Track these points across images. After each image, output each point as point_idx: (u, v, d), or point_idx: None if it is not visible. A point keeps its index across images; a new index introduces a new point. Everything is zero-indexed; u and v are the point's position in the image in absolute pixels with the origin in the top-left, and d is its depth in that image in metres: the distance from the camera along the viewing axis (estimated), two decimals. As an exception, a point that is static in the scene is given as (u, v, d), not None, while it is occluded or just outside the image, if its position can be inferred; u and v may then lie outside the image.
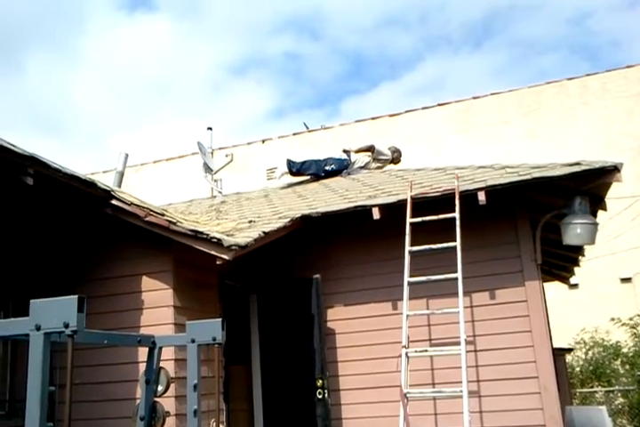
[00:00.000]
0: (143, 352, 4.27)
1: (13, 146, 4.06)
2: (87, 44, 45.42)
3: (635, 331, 12.12)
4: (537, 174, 5.10)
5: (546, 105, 15.02)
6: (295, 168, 8.64)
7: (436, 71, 39.53)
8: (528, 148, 14.19)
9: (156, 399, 4.14)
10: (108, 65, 44.27)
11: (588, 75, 14.95)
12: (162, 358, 4.18)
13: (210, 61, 47.74)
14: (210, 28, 44.37)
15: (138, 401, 4.16)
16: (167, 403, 4.28)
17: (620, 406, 11.76)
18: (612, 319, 12.28)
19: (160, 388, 4.16)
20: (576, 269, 8.14)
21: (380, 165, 8.58)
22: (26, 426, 2.73)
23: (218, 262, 4.68)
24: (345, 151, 8.61)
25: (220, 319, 4.05)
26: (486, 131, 15.31)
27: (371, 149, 8.54)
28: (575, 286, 12.63)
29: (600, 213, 5.77)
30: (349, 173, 8.34)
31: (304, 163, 8.64)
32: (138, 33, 45.33)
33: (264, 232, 5.08)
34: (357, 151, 8.59)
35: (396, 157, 8.74)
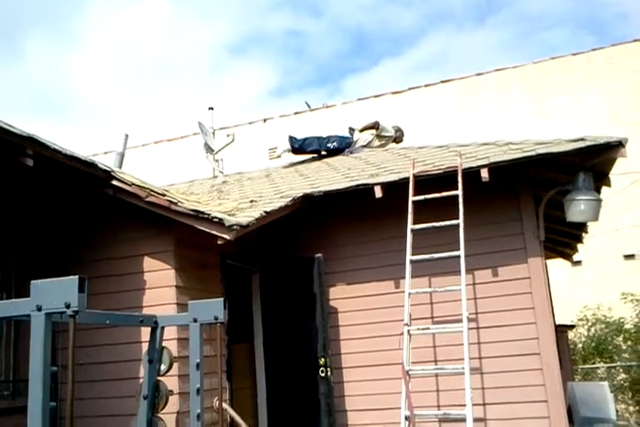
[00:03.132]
0: (146, 332, 4.30)
1: (12, 127, 4.02)
2: (86, 26, 44.97)
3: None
4: (541, 151, 5.04)
5: (551, 81, 14.84)
6: (297, 144, 8.60)
7: (439, 47, 39.07)
8: (533, 124, 14.06)
9: (159, 378, 4.18)
10: (107, 46, 43.88)
11: (593, 49, 14.74)
12: (164, 337, 4.21)
13: (210, 40, 47.24)
14: (208, 6, 43.78)
15: (141, 380, 4.20)
16: (170, 382, 4.32)
17: (621, 382, 11.85)
18: (623, 294, 12.29)
19: (163, 367, 4.20)
20: (579, 246, 8.12)
21: (382, 142, 8.53)
22: (29, 406, 2.76)
23: (219, 242, 4.67)
24: (350, 129, 8.57)
25: (222, 299, 4.07)
26: (490, 107, 15.17)
27: (375, 125, 8.50)
28: (578, 262, 12.61)
29: (604, 189, 5.73)
30: (352, 152, 8.29)
31: (306, 139, 8.61)
32: (136, 13, 44.78)
33: (265, 212, 5.06)
34: (362, 130, 8.54)
35: (398, 137, 8.69)
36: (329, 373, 5.52)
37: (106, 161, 5.75)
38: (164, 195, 4.88)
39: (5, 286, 5.00)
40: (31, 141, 4.11)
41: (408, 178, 5.44)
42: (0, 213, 4.89)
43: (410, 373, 4.86)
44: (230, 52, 49.60)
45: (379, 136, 8.49)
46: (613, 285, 12.85)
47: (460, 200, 5.26)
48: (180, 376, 4.52)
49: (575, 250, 8.38)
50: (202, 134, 9.23)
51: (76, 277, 2.83)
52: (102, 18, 41.91)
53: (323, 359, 5.53)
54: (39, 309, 2.86)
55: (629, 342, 12.33)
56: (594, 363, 12.36)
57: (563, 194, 5.41)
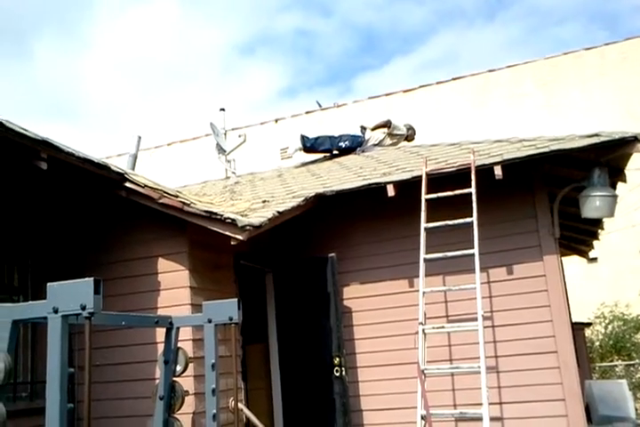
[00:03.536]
0: (161, 333, 4.32)
1: (26, 130, 4.06)
2: (96, 28, 45.24)
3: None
4: (555, 147, 4.99)
5: (563, 76, 14.72)
6: (309, 143, 8.59)
7: (449, 44, 38.84)
8: (546, 120, 13.96)
9: (175, 379, 4.20)
10: (117, 49, 44.18)
11: (606, 44, 14.61)
12: (179, 338, 4.23)
13: (220, 42, 47.42)
14: (218, 7, 43.92)
15: (157, 381, 4.22)
16: (186, 382, 4.34)
17: (640, 380, 11.73)
18: None
19: (179, 368, 4.22)
20: (595, 242, 8.04)
21: (394, 140, 8.50)
22: (47, 407, 2.77)
23: (232, 243, 4.68)
24: (362, 127, 8.54)
25: (236, 299, 4.08)
26: (503, 104, 15.07)
27: (387, 123, 8.47)
28: (594, 259, 12.51)
29: (619, 184, 5.66)
30: (363, 151, 8.27)
31: (318, 138, 8.60)
32: (146, 15, 45.02)
33: (278, 212, 5.06)
34: (374, 128, 8.51)
35: (410, 135, 8.65)
36: (344, 372, 5.51)
37: (119, 163, 5.79)
38: (176, 196, 4.90)
39: (22, 288, 5.05)
40: (45, 145, 4.14)
41: (421, 176, 5.41)
42: (16, 216, 4.93)
43: (425, 372, 4.83)
44: (240, 53, 49.77)
45: (390, 134, 8.46)
46: (630, 281, 12.72)
47: (474, 198, 5.22)
48: (196, 377, 4.53)
49: (591, 247, 8.30)
50: (214, 135, 9.26)
51: (92, 279, 2.85)
52: (112, 20, 42.21)
53: (337, 359, 5.52)
54: (55, 311, 2.88)
55: (648, 340, 12.20)
56: (612, 361, 12.24)
57: (578, 190, 5.35)
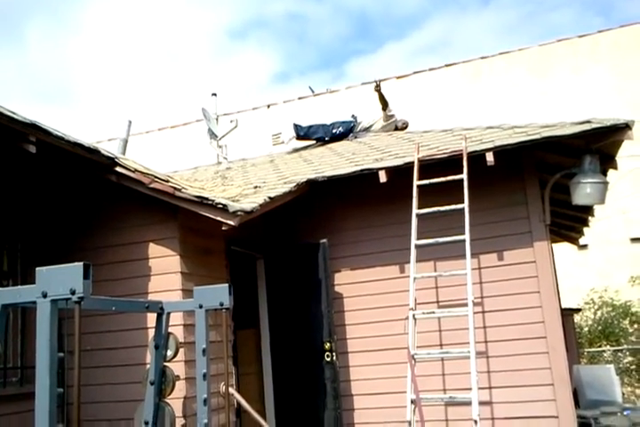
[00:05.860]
0: (152, 318, 4.32)
1: (14, 113, 4.00)
2: (86, 12, 44.62)
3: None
4: (546, 134, 4.99)
5: (556, 63, 14.68)
6: (302, 132, 8.55)
7: (442, 30, 38.57)
8: (538, 107, 13.94)
9: (166, 364, 4.20)
10: (108, 32, 43.62)
11: (599, 31, 14.56)
12: (170, 323, 4.22)
13: (212, 25, 46.86)
14: (211, -10, 43.35)
15: (148, 366, 4.22)
16: (177, 367, 4.34)
17: (628, 365, 11.88)
18: (632, 278, 12.30)
19: (169, 353, 4.22)
20: (585, 229, 8.09)
21: (388, 123, 8.43)
22: (36, 392, 2.77)
23: (224, 228, 4.67)
24: (376, 85, 8.36)
25: (228, 285, 4.07)
26: (495, 91, 15.03)
27: (387, 103, 8.41)
28: (585, 246, 12.59)
29: (610, 171, 5.68)
30: (356, 136, 8.25)
31: (311, 127, 8.57)
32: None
33: (269, 197, 5.05)
34: (380, 96, 8.36)
35: (401, 128, 8.58)
36: (334, 357, 5.54)
37: (110, 148, 5.74)
38: (167, 181, 4.87)
39: (11, 272, 5.02)
40: (34, 128, 4.09)
41: (413, 162, 5.40)
42: (5, 200, 4.89)
43: (415, 357, 4.86)
44: (232, 38, 49.27)
45: (387, 115, 8.38)
46: (620, 268, 12.83)
47: (465, 184, 5.23)
48: (187, 362, 4.54)
49: (581, 233, 8.35)
50: (205, 120, 9.19)
51: (81, 263, 2.82)
52: (102, 3, 41.62)
53: (328, 344, 5.55)
54: (44, 295, 2.86)
55: (636, 326, 12.34)
56: (600, 346, 12.38)
57: (569, 177, 5.37)
